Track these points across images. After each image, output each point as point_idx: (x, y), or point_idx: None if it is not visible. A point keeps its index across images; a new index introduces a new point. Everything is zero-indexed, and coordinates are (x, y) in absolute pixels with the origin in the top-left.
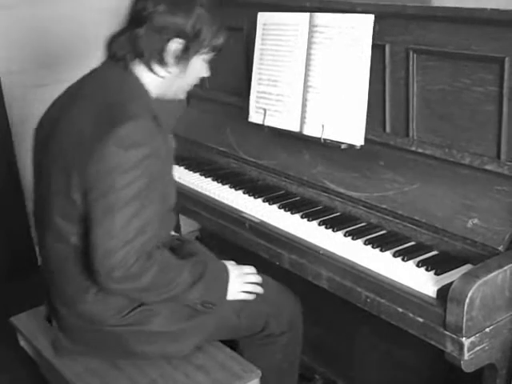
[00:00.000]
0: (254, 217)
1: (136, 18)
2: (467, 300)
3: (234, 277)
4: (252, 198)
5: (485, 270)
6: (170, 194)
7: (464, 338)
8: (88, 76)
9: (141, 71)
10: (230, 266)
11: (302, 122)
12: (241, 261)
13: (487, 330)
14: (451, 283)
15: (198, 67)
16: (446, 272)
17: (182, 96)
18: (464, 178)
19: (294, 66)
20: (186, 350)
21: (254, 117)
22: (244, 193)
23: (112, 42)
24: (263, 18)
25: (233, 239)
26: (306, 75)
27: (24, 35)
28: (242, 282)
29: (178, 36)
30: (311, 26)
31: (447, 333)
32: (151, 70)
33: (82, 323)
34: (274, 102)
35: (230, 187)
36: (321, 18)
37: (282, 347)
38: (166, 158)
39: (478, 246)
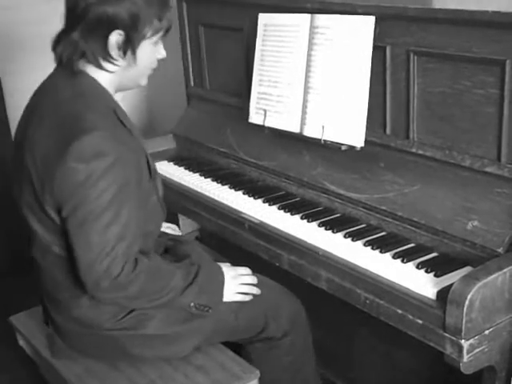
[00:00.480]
0: (253, 217)
1: (71, 18)
2: (467, 302)
3: (229, 278)
4: (252, 198)
5: (485, 272)
6: (151, 190)
7: (463, 340)
8: (41, 90)
9: (92, 71)
10: (225, 267)
11: (303, 123)
12: (240, 261)
13: (486, 332)
14: (451, 285)
15: (149, 51)
16: (445, 274)
17: (144, 83)
18: (464, 180)
19: (295, 67)
20: (183, 353)
21: (255, 118)
22: (244, 193)
23: (56, 47)
24: (264, 18)
25: (232, 240)
26: (307, 76)
27: None
28: (237, 283)
29: (116, 27)
30: (312, 27)
31: (446, 335)
32: (100, 67)
33: (78, 328)
34: (274, 103)
35: (230, 188)
36: (322, 19)
37: (287, 351)
38: (134, 159)
39: (478, 248)
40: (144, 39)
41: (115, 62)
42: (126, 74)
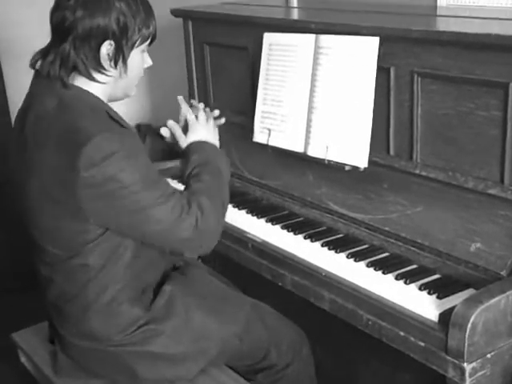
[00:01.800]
0: (256, 237)
1: (59, 31)
2: (469, 325)
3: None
4: (255, 217)
5: (487, 295)
6: None
7: (466, 364)
8: (29, 107)
9: (83, 83)
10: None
11: (307, 143)
12: (243, 280)
13: (489, 355)
14: (453, 307)
15: (138, 60)
16: (448, 296)
17: (133, 93)
18: (467, 201)
19: (299, 87)
20: (189, 375)
21: (259, 137)
22: (247, 212)
23: (42, 62)
24: (269, 38)
25: (235, 259)
26: (311, 96)
27: None
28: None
29: (106, 38)
30: (316, 47)
31: (449, 358)
32: (92, 79)
33: (86, 343)
34: (278, 122)
35: (234, 207)
36: (326, 39)
37: (292, 382)
38: (142, 147)
39: (481, 271)
40: (133, 48)
41: (107, 72)
42: (117, 85)
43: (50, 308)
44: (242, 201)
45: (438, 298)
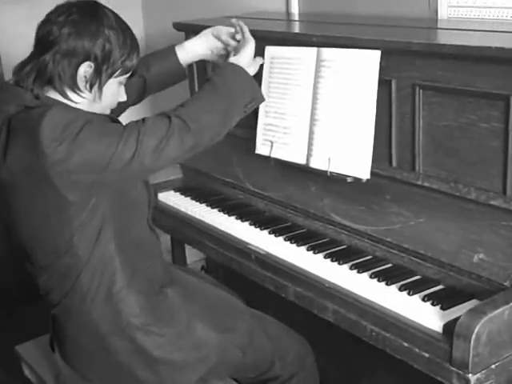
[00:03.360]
0: (259, 248)
1: (42, 44)
2: (474, 336)
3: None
4: (258, 229)
5: (492, 305)
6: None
7: (470, 375)
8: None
9: (56, 99)
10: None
11: (309, 155)
12: (246, 291)
13: (493, 366)
14: (457, 318)
15: (114, 90)
16: (452, 307)
17: None
18: (470, 212)
19: (301, 100)
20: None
21: (261, 149)
22: (250, 224)
23: (19, 71)
24: (271, 51)
25: (239, 270)
26: (313, 108)
27: None
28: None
29: (87, 59)
30: (318, 60)
31: (453, 369)
32: (66, 96)
33: (87, 339)
34: (281, 134)
35: (237, 218)
36: (328, 52)
37: None
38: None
39: (484, 281)
40: (112, 77)
41: (81, 93)
42: (90, 108)
43: (53, 310)
44: (244, 212)
45: (442, 308)
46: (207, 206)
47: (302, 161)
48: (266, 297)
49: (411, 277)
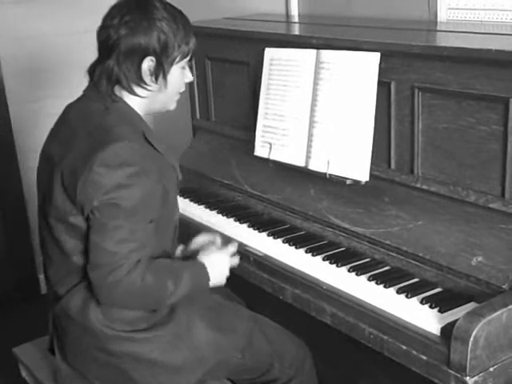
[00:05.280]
0: (258, 250)
1: (104, 48)
2: (471, 339)
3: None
4: (256, 231)
5: (490, 308)
6: (175, 207)
7: (468, 378)
8: (72, 106)
9: (125, 96)
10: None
11: (308, 157)
12: (246, 293)
13: (491, 369)
14: (455, 321)
15: (178, 75)
16: (450, 310)
17: (172, 107)
18: (468, 215)
19: (300, 102)
20: None
21: (260, 151)
22: (248, 226)
23: (92, 73)
24: (270, 53)
25: (237, 272)
26: (312, 110)
27: None
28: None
29: (147, 54)
30: (318, 62)
31: (451, 371)
32: (133, 92)
33: (87, 340)
34: (279, 136)
35: (235, 220)
36: (327, 54)
37: None
38: (159, 179)
39: (483, 284)
40: (173, 64)
41: (148, 87)
42: (157, 99)
43: (55, 306)
44: (243, 215)
45: (440, 311)
46: (206, 207)
47: (300, 163)
48: (265, 300)
49: (409, 279)
